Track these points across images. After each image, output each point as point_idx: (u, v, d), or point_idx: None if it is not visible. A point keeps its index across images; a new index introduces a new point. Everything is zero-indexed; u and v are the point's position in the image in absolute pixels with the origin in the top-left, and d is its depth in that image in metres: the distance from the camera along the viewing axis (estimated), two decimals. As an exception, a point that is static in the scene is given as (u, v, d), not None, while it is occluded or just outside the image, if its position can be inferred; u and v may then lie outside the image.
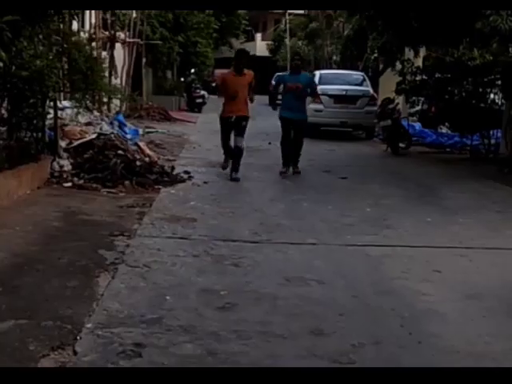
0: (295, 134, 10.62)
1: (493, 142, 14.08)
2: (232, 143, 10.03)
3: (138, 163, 9.27)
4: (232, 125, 9.79)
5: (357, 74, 19.74)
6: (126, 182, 8.60)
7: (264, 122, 16.54)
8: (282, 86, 10.94)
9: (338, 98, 17.12)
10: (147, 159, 10.01)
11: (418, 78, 14.61)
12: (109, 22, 17.01)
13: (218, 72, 11.01)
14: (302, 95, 10.61)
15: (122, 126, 12.36)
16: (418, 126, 16.73)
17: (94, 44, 15.15)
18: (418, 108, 15.95)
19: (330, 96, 16.89)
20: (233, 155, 9.87)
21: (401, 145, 14.49)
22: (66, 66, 10.52)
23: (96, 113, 12.92)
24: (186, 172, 9.79)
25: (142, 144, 11.21)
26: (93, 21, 15.88)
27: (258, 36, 52.46)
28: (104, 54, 16.26)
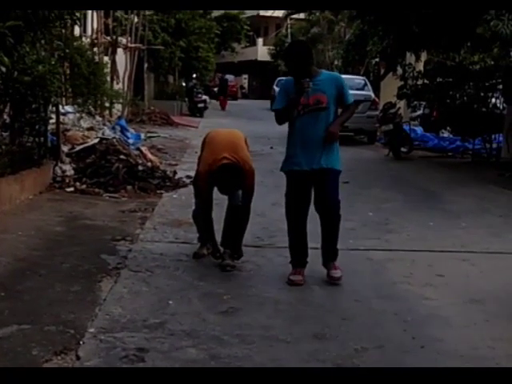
0: (322, 201, 5.28)
1: (494, 146, 14.10)
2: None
3: (140, 168, 9.28)
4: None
5: (358, 79, 19.69)
6: (129, 187, 8.62)
7: (264, 126, 16.53)
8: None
9: None
10: (149, 164, 10.01)
11: (420, 82, 14.61)
12: (110, 27, 17.06)
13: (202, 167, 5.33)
14: (329, 117, 5.11)
15: (123, 130, 12.33)
16: (419, 130, 16.73)
17: (95, 49, 15.22)
18: (419, 112, 15.93)
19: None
20: (227, 225, 5.52)
21: (402, 149, 14.47)
22: (68, 71, 10.57)
23: (98, 118, 12.94)
24: (189, 177, 9.74)
25: (144, 149, 11.21)
26: (95, 26, 15.93)
27: (260, 41, 52.38)
28: (106, 59, 16.29)
